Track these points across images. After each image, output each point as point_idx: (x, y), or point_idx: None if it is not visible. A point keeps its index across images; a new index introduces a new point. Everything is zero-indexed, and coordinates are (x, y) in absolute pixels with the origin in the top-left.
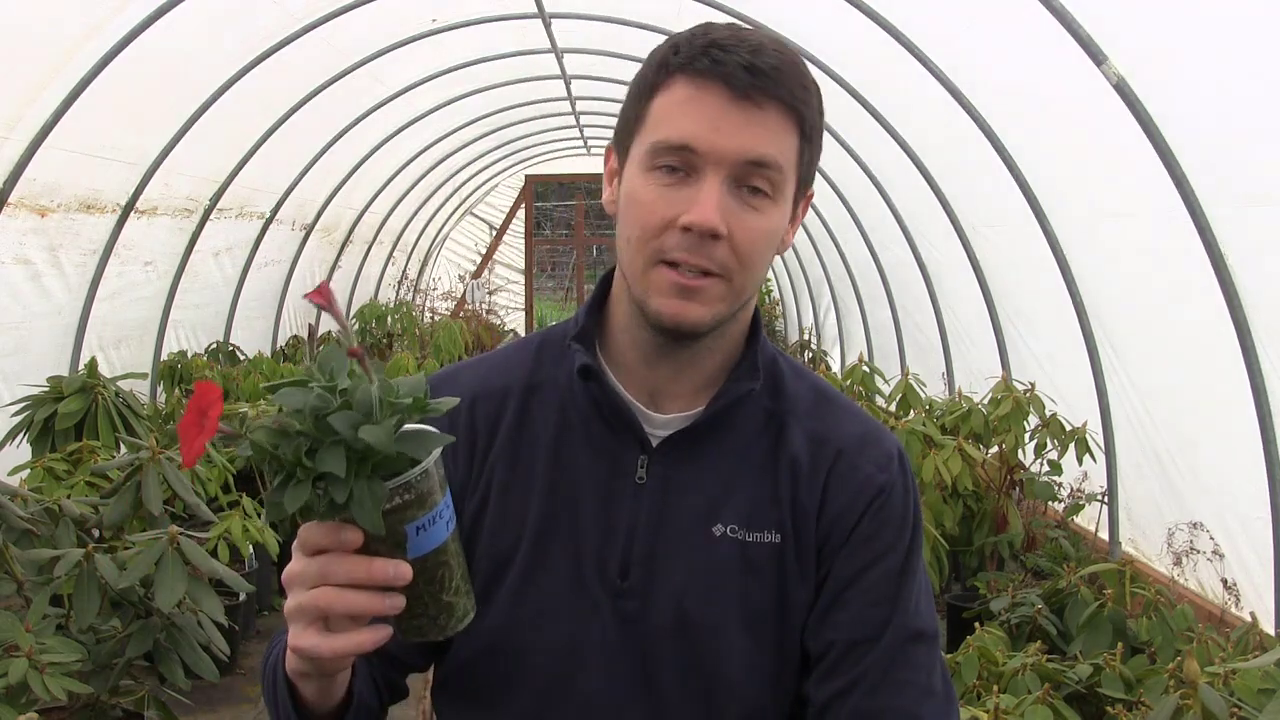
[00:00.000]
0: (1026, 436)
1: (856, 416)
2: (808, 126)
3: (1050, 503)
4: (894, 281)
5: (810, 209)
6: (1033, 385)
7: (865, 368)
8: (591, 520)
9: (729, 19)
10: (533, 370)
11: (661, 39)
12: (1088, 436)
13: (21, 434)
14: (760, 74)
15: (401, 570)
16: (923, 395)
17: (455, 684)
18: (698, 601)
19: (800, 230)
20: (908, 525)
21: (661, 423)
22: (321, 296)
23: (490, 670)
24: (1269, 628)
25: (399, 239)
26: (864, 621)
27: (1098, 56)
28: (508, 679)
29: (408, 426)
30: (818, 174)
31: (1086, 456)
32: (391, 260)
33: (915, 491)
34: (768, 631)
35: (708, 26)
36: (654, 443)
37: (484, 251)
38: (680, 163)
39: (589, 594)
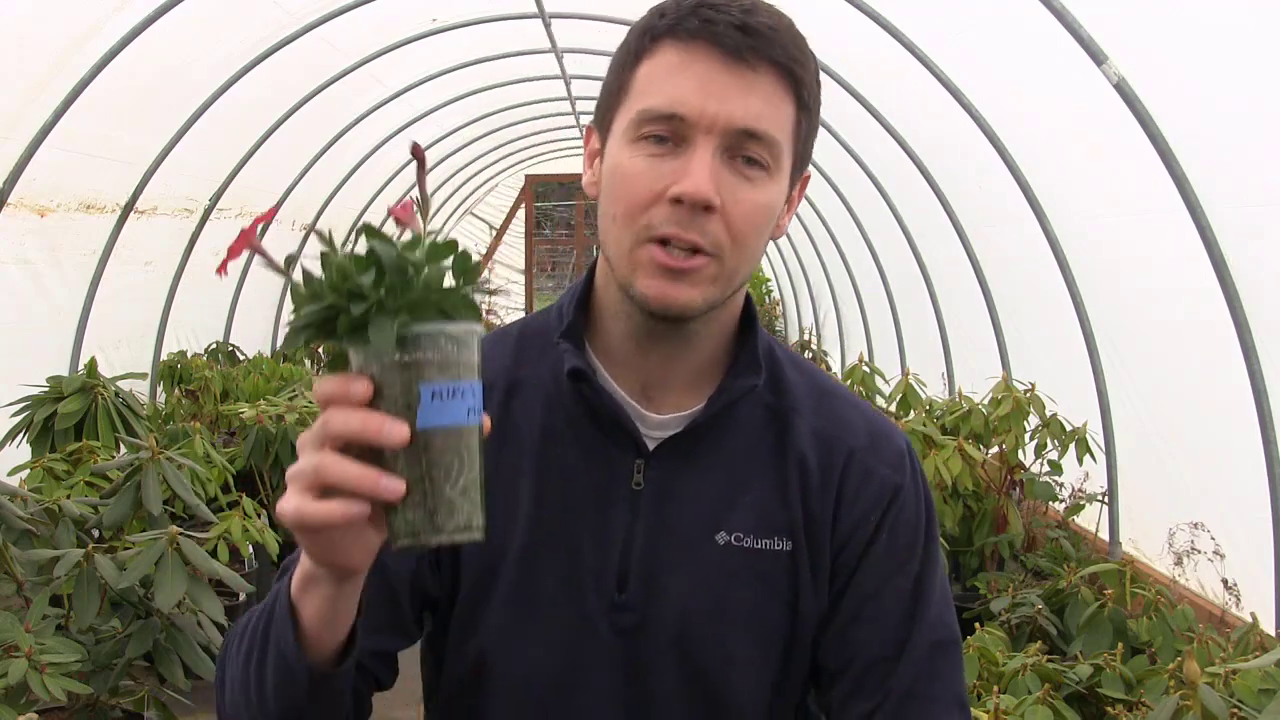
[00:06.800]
0: (1027, 436)
1: (861, 411)
2: (805, 94)
3: (1050, 503)
4: (894, 281)
5: (811, 209)
6: (1033, 385)
7: (866, 368)
8: (585, 530)
9: None
10: (513, 367)
11: None
12: (1088, 436)
13: (21, 434)
14: (754, 33)
15: (396, 429)
16: (923, 395)
17: (445, 705)
18: (701, 615)
19: (801, 230)
20: (923, 525)
21: (657, 423)
22: (405, 212)
23: (481, 690)
24: (1269, 628)
25: None
26: (887, 638)
27: (1098, 56)
28: (500, 698)
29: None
30: (818, 174)
31: (1087, 456)
32: None
33: (926, 485)
34: (777, 645)
35: None
36: (651, 446)
37: (484, 252)
38: (668, 132)
39: (584, 608)
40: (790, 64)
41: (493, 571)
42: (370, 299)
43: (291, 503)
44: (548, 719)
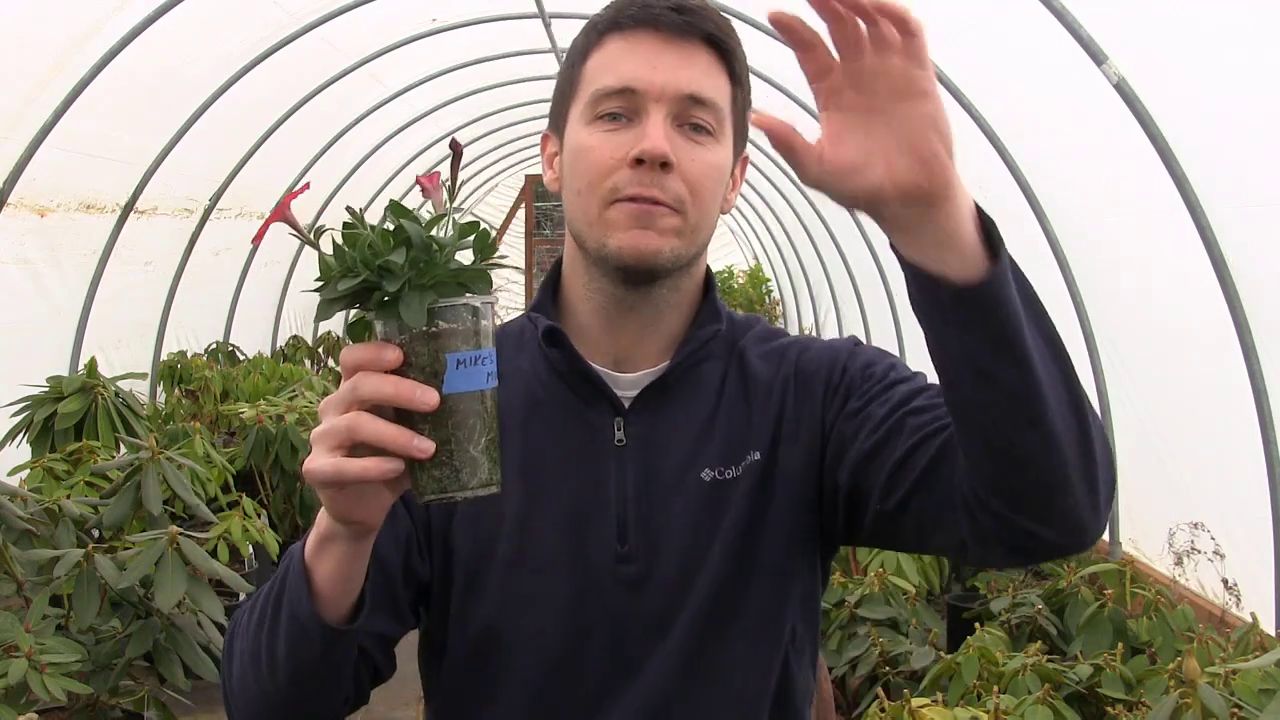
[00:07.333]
0: None
1: (799, 336)
2: (737, 67)
3: None
4: (894, 281)
5: (811, 209)
6: None
7: None
8: (578, 491)
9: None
10: None
11: None
12: None
13: (21, 434)
14: (688, 12)
15: (428, 395)
16: None
17: (448, 691)
18: (700, 552)
19: (801, 230)
20: (878, 352)
21: (629, 383)
22: (431, 182)
23: (487, 663)
24: (1269, 628)
25: None
26: (888, 400)
27: (1098, 56)
28: (508, 666)
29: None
30: None
31: None
32: None
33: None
34: (775, 550)
35: None
36: (625, 403)
37: None
38: (622, 107)
39: (587, 566)
40: (721, 37)
41: (490, 548)
42: (401, 276)
43: (326, 460)
44: (554, 680)
